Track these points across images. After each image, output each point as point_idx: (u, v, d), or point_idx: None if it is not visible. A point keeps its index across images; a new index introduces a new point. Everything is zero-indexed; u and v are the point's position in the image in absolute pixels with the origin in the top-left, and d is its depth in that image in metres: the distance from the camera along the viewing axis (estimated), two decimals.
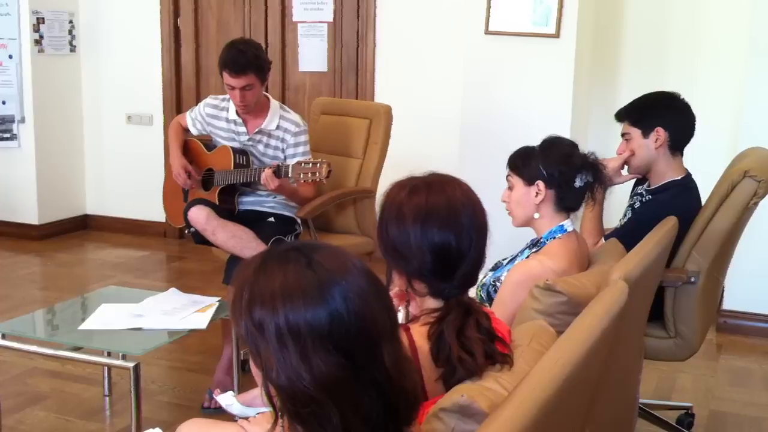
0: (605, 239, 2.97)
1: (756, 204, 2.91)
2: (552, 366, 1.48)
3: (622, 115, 3.14)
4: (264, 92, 3.81)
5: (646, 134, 3.05)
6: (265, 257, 1.35)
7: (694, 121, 3.11)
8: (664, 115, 3.06)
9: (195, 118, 3.96)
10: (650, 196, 3.11)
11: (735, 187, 2.90)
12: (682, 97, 3.12)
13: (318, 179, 3.55)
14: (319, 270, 1.29)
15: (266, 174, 3.58)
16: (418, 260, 1.82)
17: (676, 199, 3.01)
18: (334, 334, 1.26)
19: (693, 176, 3.12)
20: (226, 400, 2.15)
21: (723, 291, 4.15)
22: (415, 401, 1.36)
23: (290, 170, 3.58)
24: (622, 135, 3.13)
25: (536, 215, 2.55)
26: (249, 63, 3.61)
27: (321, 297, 1.27)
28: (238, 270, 1.37)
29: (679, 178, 3.08)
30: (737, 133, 4.49)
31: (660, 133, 3.03)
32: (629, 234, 2.82)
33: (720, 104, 4.79)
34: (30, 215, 6.14)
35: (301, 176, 3.55)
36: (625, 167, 3.14)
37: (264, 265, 1.33)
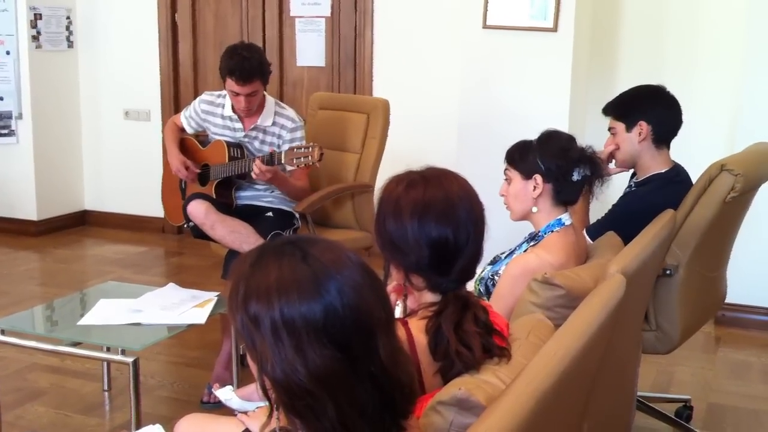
0: (586, 231, 2.97)
1: (734, 198, 2.89)
2: (550, 359, 1.48)
3: (609, 110, 3.15)
4: None
5: (629, 128, 3.06)
6: (262, 251, 1.36)
7: (680, 114, 3.10)
8: (647, 109, 3.06)
9: (190, 116, 3.96)
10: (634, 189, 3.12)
11: (713, 181, 2.90)
12: (667, 90, 3.12)
13: (311, 162, 3.54)
14: (314, 264, 1.30)
15: (256, 164, 3.59)
16: (416, 254, 1.82)
17: (655, 192, 3.01)
18: (329, 328, 1.26)
19: (687, 170, 3.11)
20: (225, 394, 2.15)
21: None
22: (412, 394, 1.36)
23: (283, 156, 3.58)
24: (609, 129, 3.14)
25: (534, 209, 2.55)
26: (255, 70, 3.62)
27: (316, 291, 1.27)
28: (234, 264, 1.38)
29: (663, 171, 3.08)
30: (735, 128, 4.49)
31: (643, 127, 3.03)
32: (607, 226, 2.84)
33: (718, 99, 4.78)
34: (28, 211, 6.15)
35: (294, 161, 3.56)
36: (614, 161, 3.15)
37: (260, 259, 1.33)
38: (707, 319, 3.54)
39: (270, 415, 1.33)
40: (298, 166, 3.58)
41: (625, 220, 2.79)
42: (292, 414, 1.30)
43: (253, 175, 3.61)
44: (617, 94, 3.18)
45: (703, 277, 3.12)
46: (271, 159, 3.61)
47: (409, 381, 1.35)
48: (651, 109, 3.06)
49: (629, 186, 3.18)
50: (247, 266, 1.34)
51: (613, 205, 3.10)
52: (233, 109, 3.79)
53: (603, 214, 3.10)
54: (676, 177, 3.08)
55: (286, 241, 1.37)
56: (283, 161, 3.58)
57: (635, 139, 3.05)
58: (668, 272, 2.93)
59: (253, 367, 1.34)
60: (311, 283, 1.28)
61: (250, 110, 3.74)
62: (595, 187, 2.58)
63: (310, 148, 3.53)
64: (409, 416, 1.38)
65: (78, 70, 6.34)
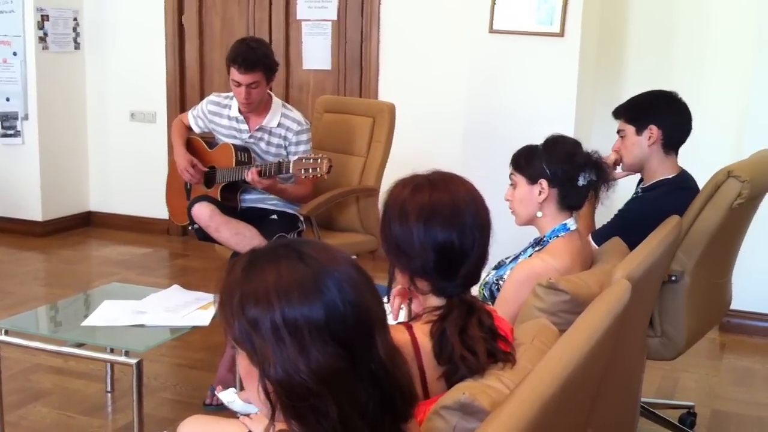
0: (591, 237, 2.96)
1: (740, 205, 2.89)
2: (554, 364, 1.47)
3: (620, 112, 3.14)
4: (267, 90, 3.81)
5: (639, 131, 3.05)
6: (253, 257, 1.35)
7: (690, 121, 3.10)
8: (659, 113, 3.05)
9: (197, 116, 3.97)
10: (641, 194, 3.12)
11: (719, 187, 2.89)
12: (679, 96, 3.12)
13: (319, 175, 3.55)
14: (311, 263, 1.30)
15: (251, 172, 3.60)
16: (421, 258, 1.81)
17: (663, 198, 3.01)
18: (331, 325, 1.27)
19: (693, 176, 3.10)
20: (228, 397, 2.15)
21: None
22: (411, 396, 1.36)
23: (291, 166, 3.59)
24: (618, 132, 3.13)
25: (539, 214, 2.54)
26: (258, 61, 3.63)
27: (317, 289, 1.28)
28: (222, 275, 1.38)
29: (670, 176, 3.07)
30: (742, 131, 4.49)
31: (653, 131, 3.03)
32: (613, 232, 2.83)
33: (725, 102, 4.78)
34: (34, 212, 6.15)
35: (302, 172, 3.56)
36: (620, 165, 3.14)
37: (253, 264, 1.33)
38: (713, 326, 3.53)
39: (272, 419, 1.33)
40: (306, 177, 3.59)
41: (632, 225, 2.78)
42: (292, 417, 1.29)
43: (247, 179, 3.63)
44: (628, 98, 3.18)
45: (709, 284, 3.11)
46: (279, 168, 3.61)
47: (408, 382, 1.35)
48: (663, 114, 3.05)
49: (636, 192, 3.17)
50: (238, 273, 1.33)
51: (620, 210, 3.09)
52: (239, 110, 3.80)
53: (609, 220, 3.09)
54: (684, 183, 3.07)
55: (276, 245, 1.37)
56: (291, 171, 3.59)
57: (644, 142, 3.04)
58: (673, 278, 2.92)
59: (248, 373, 1.33)
60: (311, 282, 1.28)
61: (251, 104, 3.73)
62: (601, 192, 2.57)
63: (319, 160, 3.54)
64: (409, 420, 1.37)
65: (84, 72, 6.35)
